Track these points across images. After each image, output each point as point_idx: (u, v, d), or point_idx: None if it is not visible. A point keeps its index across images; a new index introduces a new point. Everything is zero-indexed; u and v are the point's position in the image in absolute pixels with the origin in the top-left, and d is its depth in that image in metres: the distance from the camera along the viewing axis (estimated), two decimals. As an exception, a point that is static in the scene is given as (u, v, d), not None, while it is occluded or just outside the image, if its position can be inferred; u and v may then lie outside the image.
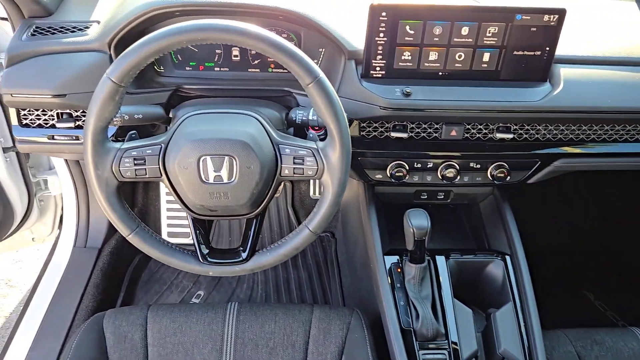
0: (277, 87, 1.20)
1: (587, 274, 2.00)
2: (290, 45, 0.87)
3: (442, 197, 1.36)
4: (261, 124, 0.98)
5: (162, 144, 0.94)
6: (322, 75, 0.89)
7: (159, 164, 0.93)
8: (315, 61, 1.20)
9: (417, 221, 1.09)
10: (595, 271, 2.01)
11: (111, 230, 1.77)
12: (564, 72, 1.15)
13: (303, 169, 0.96)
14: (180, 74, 1.23)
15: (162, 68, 1.23)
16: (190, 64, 1.23)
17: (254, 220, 1.04)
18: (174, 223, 2.00)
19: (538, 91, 1.13)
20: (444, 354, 1.08)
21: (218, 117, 0.99)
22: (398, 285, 1.17)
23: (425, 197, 1.35)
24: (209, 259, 1.01)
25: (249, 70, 1.25)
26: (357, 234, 1.52)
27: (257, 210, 1.01)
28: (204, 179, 0.93)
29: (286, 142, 0.97)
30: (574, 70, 1.16)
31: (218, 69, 1.24)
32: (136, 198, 1.97)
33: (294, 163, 0.96)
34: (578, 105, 1.13)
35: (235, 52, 1.23)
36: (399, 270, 1.19)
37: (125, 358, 1.12)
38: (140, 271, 1.88)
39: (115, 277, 1.76)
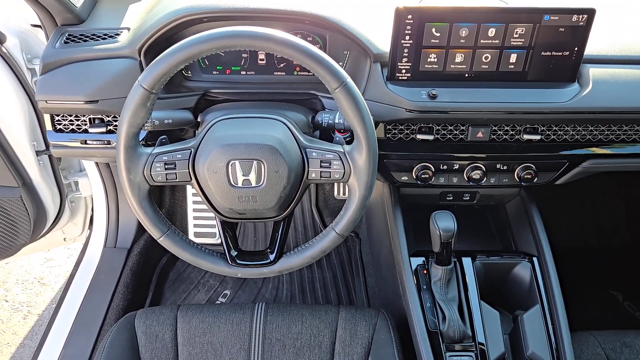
0: (302, 90, 1.21)
1: (615, 274, 1.97)
2: (317, 51, 0.88)
3: (468, 198, 1.35)
4: (288, 128, 0.99)
5: (192, 149, 0.96)
6: (349, 79, 0.90)
7: (189, 169, 0.95)
8: (340, 64, 1.21)
9: (443, 223, 1.09)
10: (623, 271, 1.98)
11: (140, 230, 1.80)
12: (593, 72, 1.13)
13: (330, 172, 0.97)
14: (208, 78, 1.25)
15: (189, 73, 1.25)
16: (217, 68, 1.25)
17: (282, 223, 1.05)
18: (200, 224, 2.03)
19: (566, 92, 1.12)
20: (470, 356, 1.08)
21: (246, 121, 1.00)
22: (424, 286, 1.17)
23: (451, 198, 1.35)
24: (237, 261, 1.03)
25: (275, 73, 1.26)
26: (382, 235, 1.52)
27: (285, 213, 1.03)
28: (233, 183, 0.95)
29: (313, 145, 0.98)
30: (603, 70, 1.14)
31: (244, 72, 1.26)
32: (164, 199, 2.01)
33: (321, 166, 0.97)
34: (608, 105, 1.11)
35: (261, 55, 1.25)
36: (425, 272, 1.20)
37: (157, 357, 1.14)
38: (168, 270, 1.92)
39: (144, 276, 1.80)
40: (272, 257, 1.04)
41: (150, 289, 1.80)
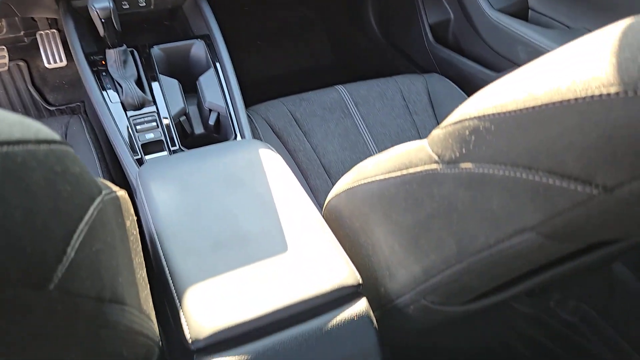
0: None
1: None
2: None
3: (144, 4, 1.41)
4: None
5: None
6: None
7: None
8: None
9: (98, 4, 1.13)
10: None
11: None
12: None
13: None
14: None
15: None
16: None
17: None
18: None
19: None
20: (153, 115, 1.19)
21: None
22: (103, 73, 1.23)
23: (128, 7, 1.39)
24: None
25: None
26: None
27: None
28: None
29: None
30: None
31: None
32: None
33: None
34: None
35: None
36: (103, 62, 1.25)
37: None
38: None
39: None
40: None
41: None
